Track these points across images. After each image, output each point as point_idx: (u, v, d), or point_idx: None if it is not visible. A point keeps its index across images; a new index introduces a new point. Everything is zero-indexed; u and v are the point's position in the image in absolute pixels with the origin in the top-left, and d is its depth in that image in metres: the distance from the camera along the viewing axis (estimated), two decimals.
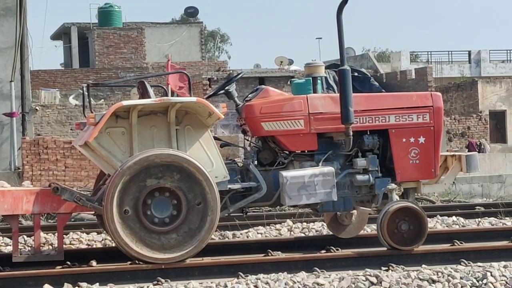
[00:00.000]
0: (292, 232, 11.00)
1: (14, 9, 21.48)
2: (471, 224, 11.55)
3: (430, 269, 7.90)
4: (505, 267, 7.90)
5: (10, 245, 9.89)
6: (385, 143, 9.05)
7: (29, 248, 10.07)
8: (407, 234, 8.62)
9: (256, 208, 12.58)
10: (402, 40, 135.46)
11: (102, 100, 34.99)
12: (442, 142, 9.31)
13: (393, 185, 8.82)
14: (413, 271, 7.85)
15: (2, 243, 10.56)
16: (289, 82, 12.81)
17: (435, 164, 9.02)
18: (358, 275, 7.71)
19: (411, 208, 8.63)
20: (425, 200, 15.97)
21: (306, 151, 8.99)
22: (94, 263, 8.69)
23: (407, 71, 40.32)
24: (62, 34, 47.55)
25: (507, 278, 7.62)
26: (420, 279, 7.62)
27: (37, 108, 27.80)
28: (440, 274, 7.74)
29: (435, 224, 11.37)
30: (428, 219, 9.31)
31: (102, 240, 10.56)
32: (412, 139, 8.97)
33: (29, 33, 22.27)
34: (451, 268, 7.92)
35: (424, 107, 9.05)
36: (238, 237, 10.75)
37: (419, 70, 39.19)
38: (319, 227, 11.07)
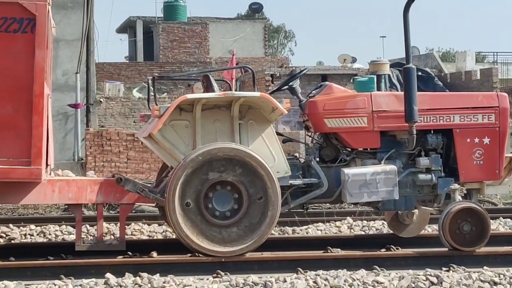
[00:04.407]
0: (352, 230, 10.97)
1: (81, 2, 21.72)
2: None
3: (492, 271, 7.80)
4: None
5: (73, 234, 10.04)
6: (449, 143, 8.96)
7: (92, 238, 10.21)
8: (469, 235, 8.52)
9: (316, 204, 12.56)
10: (466, 40, 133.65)
11: (165, 93, 35.26)
12: (507, 144, 9.18)
13: (456, 185, 8.73)
14: (474, 272, 7.77)
15: (65, 231, 10.73)
16: (352, 80, 12.75)
17: (500, 165, 8.91)
18: (418, 275, 7.65)
19: (474, 209, 8.53)
20: (487, 202, 15.75)
21: (368, 149, 8.95)
22: (154, 254, 8.77)
23: (472, 71, 39.75)
24: (127, 27, 48.10)
25: None
26: (482, 281, 7.53)
27: (101, 100, 28.12)
28: (502, 276, 7.64)
29: (497, 226, 11.23)
30: (491, 221, 9.19)
31: (163, 231, 10.65)
32: (476, 140, 8.87)
33: (96, 26, 22.52)
34: None
35: (489, 108, 8.95)
36: (297, 233, 10.75)
37: (484, 70, 38.64)
38: (379, 226, 11.01)
